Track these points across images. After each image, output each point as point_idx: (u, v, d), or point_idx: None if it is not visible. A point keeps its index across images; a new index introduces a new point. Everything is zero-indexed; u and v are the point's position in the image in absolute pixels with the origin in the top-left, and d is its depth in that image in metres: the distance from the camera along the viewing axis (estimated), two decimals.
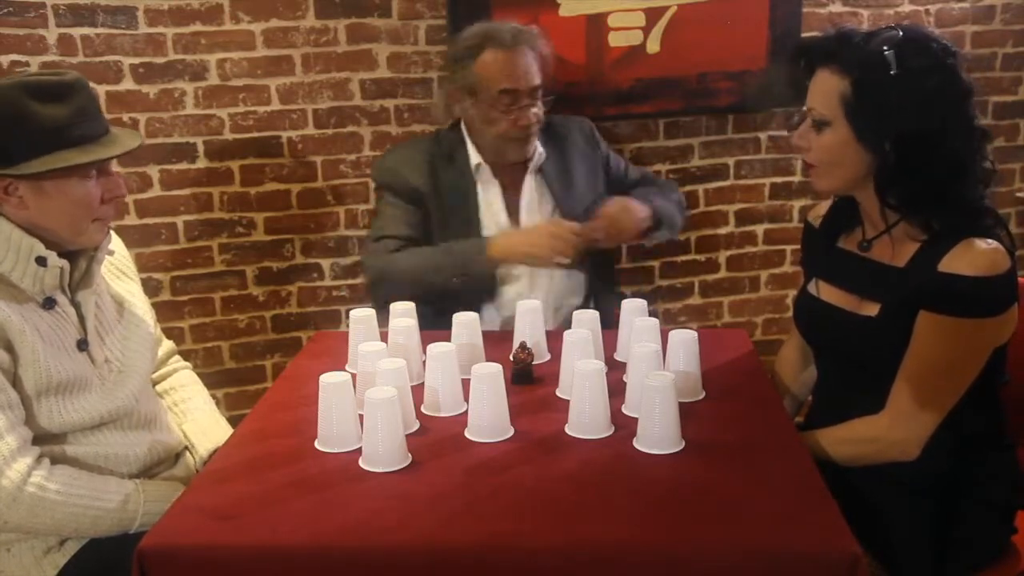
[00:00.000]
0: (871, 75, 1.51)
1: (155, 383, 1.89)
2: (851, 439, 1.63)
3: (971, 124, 1.55)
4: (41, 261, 1.55)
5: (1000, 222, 1.57)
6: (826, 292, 1.73)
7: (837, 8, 2.97)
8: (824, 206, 1.83)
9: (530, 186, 2.37)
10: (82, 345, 1.64)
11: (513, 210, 2.36)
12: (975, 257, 1.49)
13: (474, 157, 2.32)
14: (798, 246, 1.98)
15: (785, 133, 3.05)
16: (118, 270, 1.83)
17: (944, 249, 1.52)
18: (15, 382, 1.53)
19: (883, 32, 1.55)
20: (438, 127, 2.49)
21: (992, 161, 1.60)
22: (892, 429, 1.57)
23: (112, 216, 1.65)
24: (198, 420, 1.89)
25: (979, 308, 1.50)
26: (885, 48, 1.51)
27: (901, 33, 1.53)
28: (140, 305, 1.83)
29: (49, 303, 1.59)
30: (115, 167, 1.64)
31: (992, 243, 1.51)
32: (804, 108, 1.63)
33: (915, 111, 1.50)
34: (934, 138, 1.50)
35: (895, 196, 1.56)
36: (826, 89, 1.57)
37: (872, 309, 1.61)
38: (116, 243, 1.83)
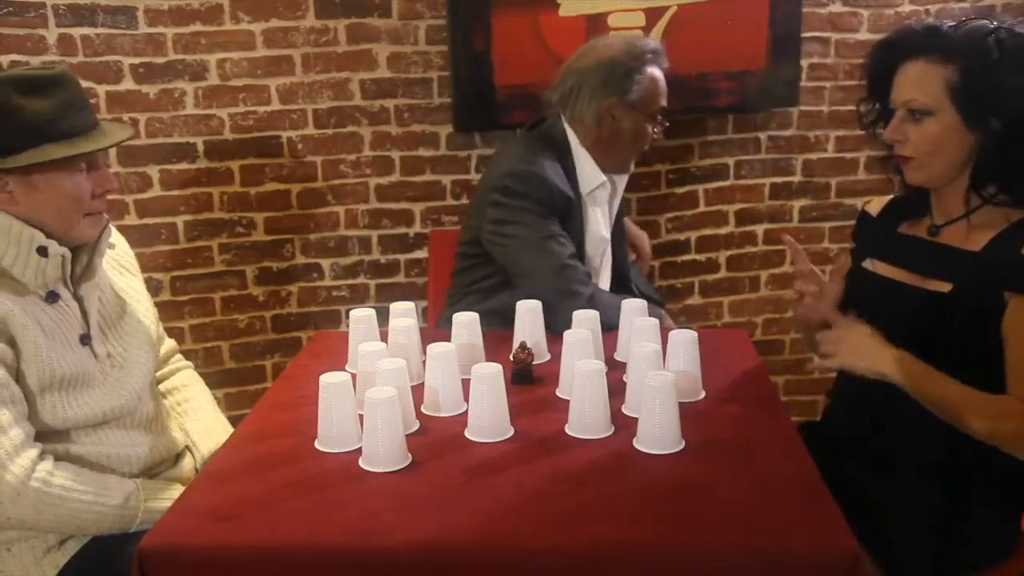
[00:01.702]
0: (977, 59, 1.55)
1: (157, 382, 1.89)
2: (1004, 412, 1.53)
3: None
4: (42, 251, 1.55)
5: None
6: (883, 269, 1.73)
7: (837, 8, 2.98)
8: (881, 200, 1.85)
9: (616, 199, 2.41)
10: (85, 339, 1.64)
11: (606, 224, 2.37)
12: None
13: (594, 173, 2.28)
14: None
15: (784, 133, 3.06)
16: (120, 266, 1.83)
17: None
18: (18, 377, 1.53)
19: (972, 22, 1.60)
20: (523, 131, 2.40)
21: None
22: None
23: (103, 210, 1.64)
24: (201, 419, 1.89)
25: None
26: (981, 35, 1.55)
27: (992, 22, 1.58)
28: (143, 302, 1.83)
29: (52, 296, 1.59)
30: (106, 161, 1.64)
31: None
32: (876, 105, 1.68)
33: (1020, 91, 1.53)
34: None
35: (995, 180, 1.59)
36: (925, 79, 1.58)
37: (941, 286, 1.62)
38: (118, 238, 1.83)
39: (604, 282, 2.41)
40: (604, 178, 2.28)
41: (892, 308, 1.68)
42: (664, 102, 2.27)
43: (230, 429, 1.89)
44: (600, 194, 2.31)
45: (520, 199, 2.16)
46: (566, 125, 2.26)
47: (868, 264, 1.77)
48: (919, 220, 1.73)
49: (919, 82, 1.60)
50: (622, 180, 2.39)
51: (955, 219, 1.65)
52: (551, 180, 2.18)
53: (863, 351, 1.60)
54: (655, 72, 2.24)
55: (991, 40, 1.55)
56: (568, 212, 2.21)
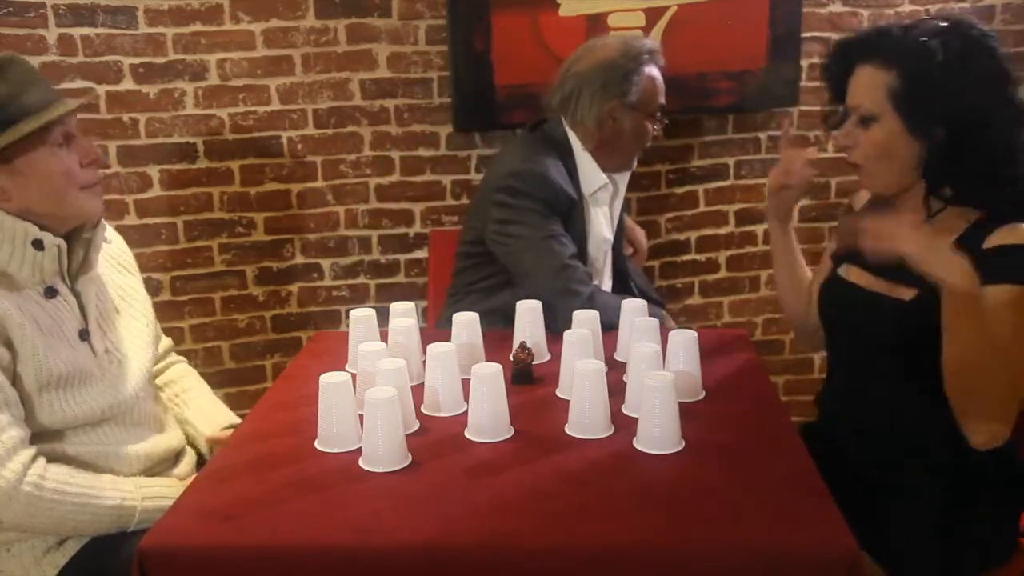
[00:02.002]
0: (918, 64, 1.52)
1: (154, 377, 1.89)
2: (984, 358, 1.46)
3: (1015, 107, 1.55)
4: (38, 244, 1.54)
5: None
6: (856, 276, 1.72)
7: (837, 8, 2.97)
8: (865, 194, 1.83)
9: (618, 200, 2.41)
10: (84, 335, 1.64)
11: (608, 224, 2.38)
12: (1022, 233, 1.50)
13: (596, 174, 2.28)
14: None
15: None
16: (118, 263, 1.83)
17: (987, 232, 1.52)
18: (14, 379, 1.53)
19: (923, 23, 1.57)
20: (522, 132, 2.40)
21: None
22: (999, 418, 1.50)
23: (97, 180, 1.63)
24: (200, 407, 1.90)
25: None
26: (927, 38, 1.52)
27: (941, 23, 1.55)
28: (141, 300, 1.83)
29: (50, 292, 1.59)
30: (86, 139, 1.62)
31: None
32: (840, 108, 1.64)
33: (963, 97, 1.51)
34: (982, 122, 1.51)
35: (947, 182, 1.57)
36: (871, 84, 1.57)
37: (907, 293, 1.59)
38: (115, 237, 1.83)
39: (606, 283, 2.41)
40: (606, 179, 2.29)
41: (861, 318, 1.68)
42: (663, 100, 2.28)
43: (229, 413, 1.90)
44: (602, 195, 2.32)
45: (523, 199, 2.16)
46: (567, 128, 2.27)
47: (843, 271, 1.75)
48: None
49: (866, 87, 1.58)
50: (623, 179, 2.39)
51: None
52: (554, 180, 2.18)
53: (931, 247, 1.47)
54: (653, 71, 2.25)
55: (936, 43, 1.51)
56: (570, 213, 2.22)
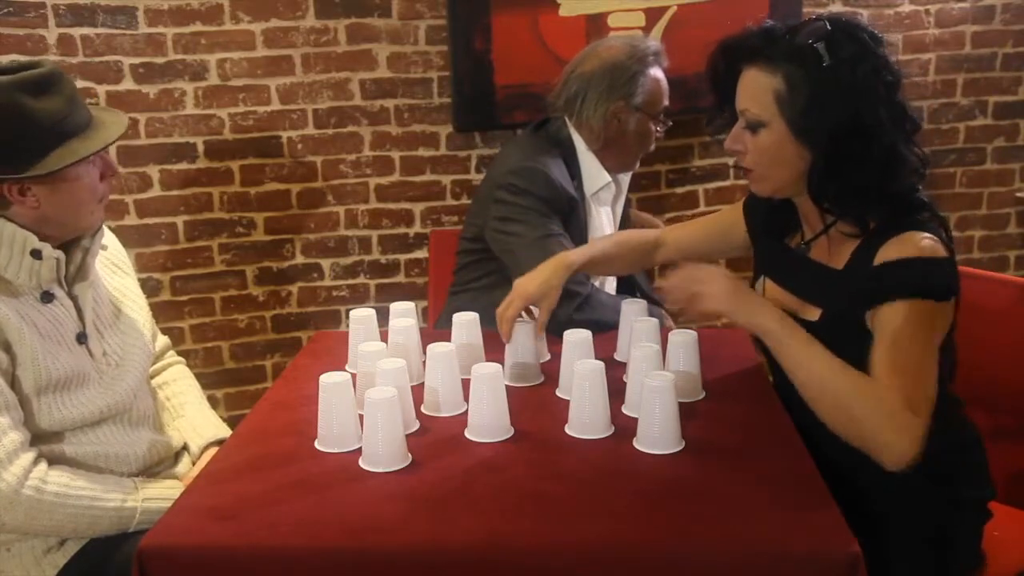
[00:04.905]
0: (803, 69, 1.46)
1: (150, 377, 1.89)
2: (858, 390, 1.39)
3: (903, 113, 1.50)
4: (36, 254, 1.55)
5: (938, 217, 1.52)
6: (771, 291, 1.68)
7: (837, 8, 2.98)
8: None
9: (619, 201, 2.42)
10: (81, 338, 1.64)
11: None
12: (910, 244, 1.45)
13: (599, 174, 2.29)
14: None
15: None
16: (114, 265, 1.83)
17: (878, 245, 1.47)
18: (13, 383, 1.53)
19: (809, 24, 1.50)
20: (523, 133, 2.40)
21: (924, 152, 1.53)
22: (903, 413, 1.37)
23: (109, 193, 1.66)
24: (190, 418, 1.89)
25: (934, 288, 1.43)
26: (814, 40, 1.46)
27: (828, 24, 1.48)
28: (137, 300, 1.83)
29: (47, 297, 1.59)
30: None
31: (928, 236, 1.45)
32: (727, 112, 1.59)
33: (849, 102, 1.45)
34: (869, 129, 1.46)
35: (830, 193, 1.52)
36: (757, 88, 1.51)
37: (814, 313, 1.56)
38: (110, 238, 1.83)
39: (610, 283, 2.41)
40: (609, 179, 2.29)
41: None
42: (667, 102, 2.29)
43: (220, 425, 1.90)
44: (604, 195, 2.32)
45: (524, 196, 2.16)
46: (571, 128, 2.27)
47: (759, 285, 1.72)
48: (797, 231, 1.66)
49: (752, 91, 1.52)
50: (625, 179, 2.40)
51: (818, 234, 1.59)
52: (555, 179, 2.18)
53: (738, 296, 1.49)
54: (658, 73, 2.26)
55: (822, 47, 1.45)
56: (571, 212, 2.22)
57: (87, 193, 1.59)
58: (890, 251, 1.46)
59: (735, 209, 1.86)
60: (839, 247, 1.56)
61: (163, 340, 1.99)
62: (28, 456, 1.51)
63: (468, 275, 2.34)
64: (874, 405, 1.37)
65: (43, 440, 1.57)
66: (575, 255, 1.87)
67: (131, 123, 2.69)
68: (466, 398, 1.61)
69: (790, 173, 1.54)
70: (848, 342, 1.45)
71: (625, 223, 2.46)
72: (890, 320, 1.43)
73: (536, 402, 1.70)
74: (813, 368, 1.43)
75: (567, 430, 1.57)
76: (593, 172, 2.28)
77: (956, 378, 1.59)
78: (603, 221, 2.33)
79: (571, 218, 2.22)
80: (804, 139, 1.49)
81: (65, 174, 1.54)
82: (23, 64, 1.55)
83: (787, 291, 1.64)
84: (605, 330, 1.90)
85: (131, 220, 2.79)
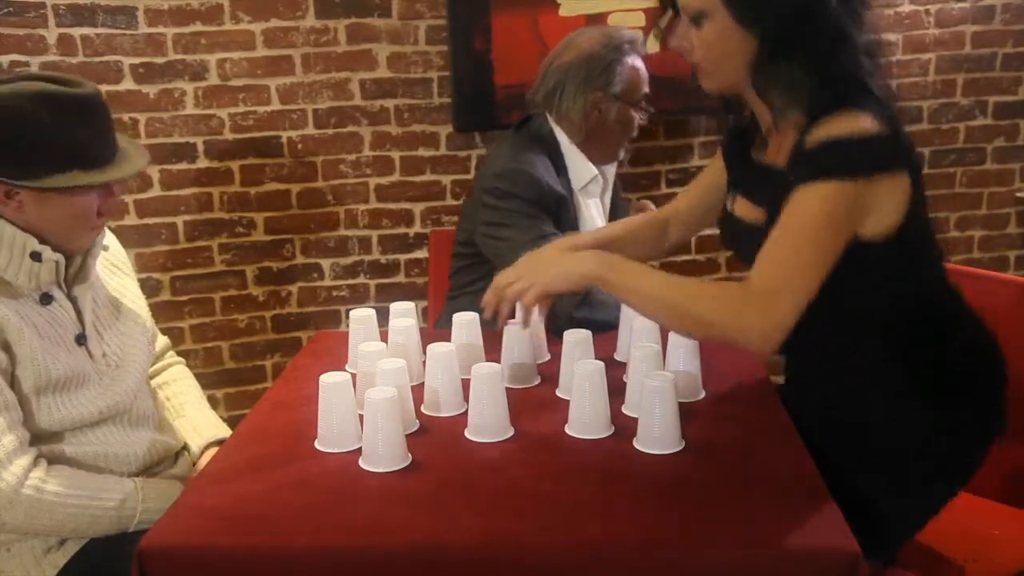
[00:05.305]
0: None
1: (150, 377, 1.89)
2: (698, 298, 1.43)
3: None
4: (36, 256, 1.55)
5: (881, 95, 1.46)
6: (739, 207, 1.67)
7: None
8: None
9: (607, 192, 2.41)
10: (80, 339, 1.64)
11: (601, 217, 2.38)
12: (834, 126, 1.41)
13: (585, 167, 2.28)
14: None
15: None
16: (113, 266, 1.83)
17: (809, 133, 1.45)
18: (12, 382, 1.53)
19: None
20: (512, 129, 2.38)
21: (877, 36, 1.50)
22: (746, 305, 1.39)
23: (102, 224, 1.65)
24: (190, 418, 1.89)
25: (842, 166, 1.39)
26: None
27: None
28: (136, 301, 1.83)
29: (46, 298, 1.59)
30: (120, 187, 1.64)
31: (860, 112, 1.41)
32: (672, 13, 1.57)
33: None
34: (814, 7, 1.43)
35: (775, 80, 1.50)
36: None
37: (761, 217, 1.54)
38: (110, 239, 1.83)
39: None
40: (596, 171, 2.29)
41: (744, 252, 1.61)
42: (647, 89, 2.29)
43: (220, 425, 1.90)
44: (593, 187, 2.32)
45: (511, 200, 2.16)
46: (553, 124, 2.27)
47: (729, 202, 1.70)
48: (763, 144, 1.64)
49: None
50: (611, 171, 2.39)
51: (766, 133, 1.57)
52: (541, 178, 2.18)
53: (555, 263, 1.52)
54: (635, 61, 2.26)
55: None
56: (560, 209, 2.21)
57: (76, 220, 1.58)
58: (813, 137, 1.43)
59: (718, 155, 1.84)
60: (788, 144, 1.53)
61: (163, 340, 1.99)
62: (28, 456, 1.51)
63: (463, 279, 2.34)
64: (715, 304, 1.41)
65: (43, 440, 1.57)
66: (581, 238, 1.86)
67: (133, 123, 2.71)
68: (466, 398, 1.61)
69: (737, 64, 1.52)
70: None
71: (615, 213, 2.44)
72: (790, 206, 1.42)
73: (536, 402, 1.70)
74: (649, 292, 1.45)
75: (567, 430, 1.57)
76: (579, 166, 2.28)
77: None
78: (593, 214, 2.32)
79: (561, 215, 2.21)
80: (747, 25, 1.47)
81: (57, 195, 1.53)
82: (67, 80, 1.55)
83: (751, 202, 1.63)
84: (605, 330, 1.90)
85: (131, 220, 2.79)
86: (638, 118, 2.30)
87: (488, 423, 1.55)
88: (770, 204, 1.49)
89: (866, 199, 1.41)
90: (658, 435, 1.48)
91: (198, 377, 2.04)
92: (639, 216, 2.06)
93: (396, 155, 2.92)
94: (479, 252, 2.26)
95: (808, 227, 1.40)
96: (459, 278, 2.35)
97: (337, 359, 1.89)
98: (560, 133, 2.27)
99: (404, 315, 1.86)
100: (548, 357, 1.89)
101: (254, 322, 2.98)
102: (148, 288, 2.74)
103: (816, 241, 1.39)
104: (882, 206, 1.43)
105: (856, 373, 1.58)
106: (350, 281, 3.01)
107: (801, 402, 1.66)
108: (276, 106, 2.82)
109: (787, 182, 1.44)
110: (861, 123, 1.40)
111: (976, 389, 1.59)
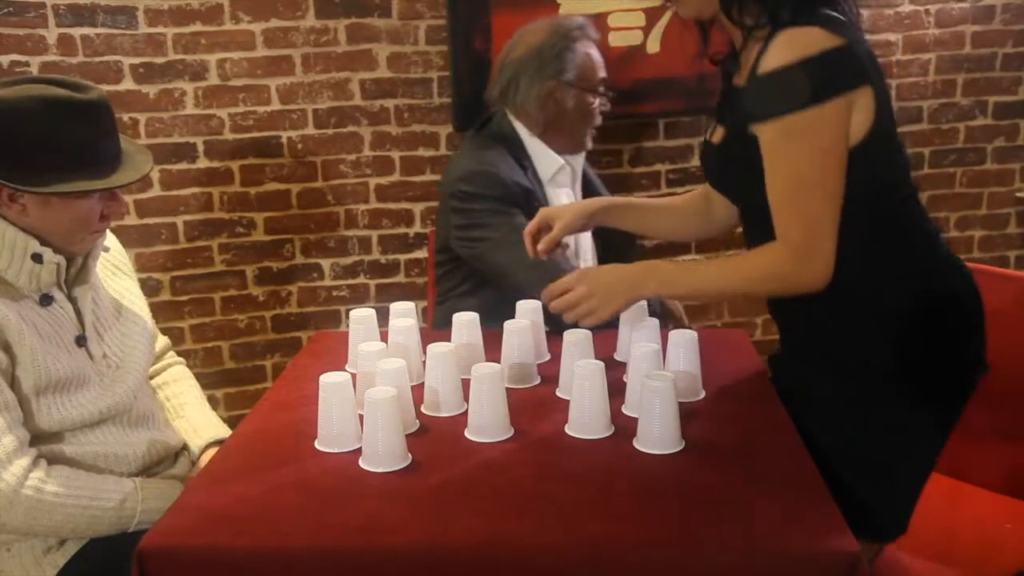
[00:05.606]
0: None
1: (150, 377, 1.89)
2: (755, 277, 1.53)
3: None
4: (37, 258, 1.55)
5: (843, 9, 1.47)
6: (716, 135, 1.68)
7: None
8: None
9: (577, 183, 2.40)
10: (81, 341, 1.64)
11: None
12: (787, 47, 1.41)
13: (551, 159, 2.28)
14: None
15: None
16: (114, 267, 1.83)
17: (764, 50, 1.45)
18: (12, 383, 1.53)
19: None
20: (473, 129, 2.40)
21: None
22: (796, 262, 1.47)
23: (103, 228, 1.66)
24: (190, 417, 1.89)
25: (803, 93, 1.39)
26: None
27: None
28: (137, 302, 1.83)
29: (46, 300, 1.59)
30: (123, 190, 1.64)
31: (814, 28, 1.40)
32: None
33: None
34: None
35: (735, 5, 1.51)
36: None
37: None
38: (111, 240, 1.83)
39: (591, 263, 2.40)
40: (562, 161, 2.29)
41: (714, 173, 1.65)
42: (603, 74, 2.29)
43: (220, 425, 1.90)
44: (562, 178, 2.32)
45: (477, 201, 2.16)
46: (512, 119, 2.27)
47: (709, 133, 1.71)
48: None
49: None
50: (578, 160, 2.38)
51: (733, 53, 1.58)
52: (504, 175, 2.18)
53: (622, 292, 1.57)
54: (586, 47, 2.26)
55: None
56: (528, 203, 2.20)
57: (78, 224, 1.59)
58: (769, 59, 1.44)
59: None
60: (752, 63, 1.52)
61: (163, 340, 1.99)
62: (27, 457, 1.51)
63: (446, 285, 2.35)
64: (771, 278, 1.50)
65: (43, 440, 1.57)
66: (591, 200, 1.87)
67: (133, 123, 2.71)
68: (466, 398, 1.61)
69: None
70: (747, 159, 1.48)
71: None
72: (765, 146, 1.45)
73: (536, 402, 1.70)
74: (711, 291, 1.59)
75: (567, 430, 1.57)
76: (544, 158, 2.28)
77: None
78: (562, 200, 2.32)
79: (530, 209, 2.19)
80: None
81: (60, 200, 1.54)
82: (73, 84, 1.55)
83: (721, 125, 1.64)
84: (605, 330, 1.90)
85: (131, 220, 2.79)
86: (598, 103, 2.29)
87: (488, 423, 1.55)
88: (731, 122, 1.53)
89: (842, 111, 1.43)
90: (658, 435, 1.48)
91: (198, 377, 2.04)
92: (675, 198, 2.03)
93: (396, 155, 2.92)
94: (457, 257, 2.27)
95: (805, 168, 1.44)
96: (442, 285, 2.37)
97: (337, 359, 1.89)
98: (520, 127, 2.28)
99: (404, 315, 1.86)
100: (548, 357, 1.89)
101: (254, 322, 2.98)
102: (148, 288, 2.74)
103: (820, 178, 1.44)
104: (858, 120, 1.45)
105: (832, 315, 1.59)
106: (350, 281, 3.01)
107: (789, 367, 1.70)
108: (276, 106, 2.82)
109: (743, 103, 1.48)
110: (809, 40, 1.41)
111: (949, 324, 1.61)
